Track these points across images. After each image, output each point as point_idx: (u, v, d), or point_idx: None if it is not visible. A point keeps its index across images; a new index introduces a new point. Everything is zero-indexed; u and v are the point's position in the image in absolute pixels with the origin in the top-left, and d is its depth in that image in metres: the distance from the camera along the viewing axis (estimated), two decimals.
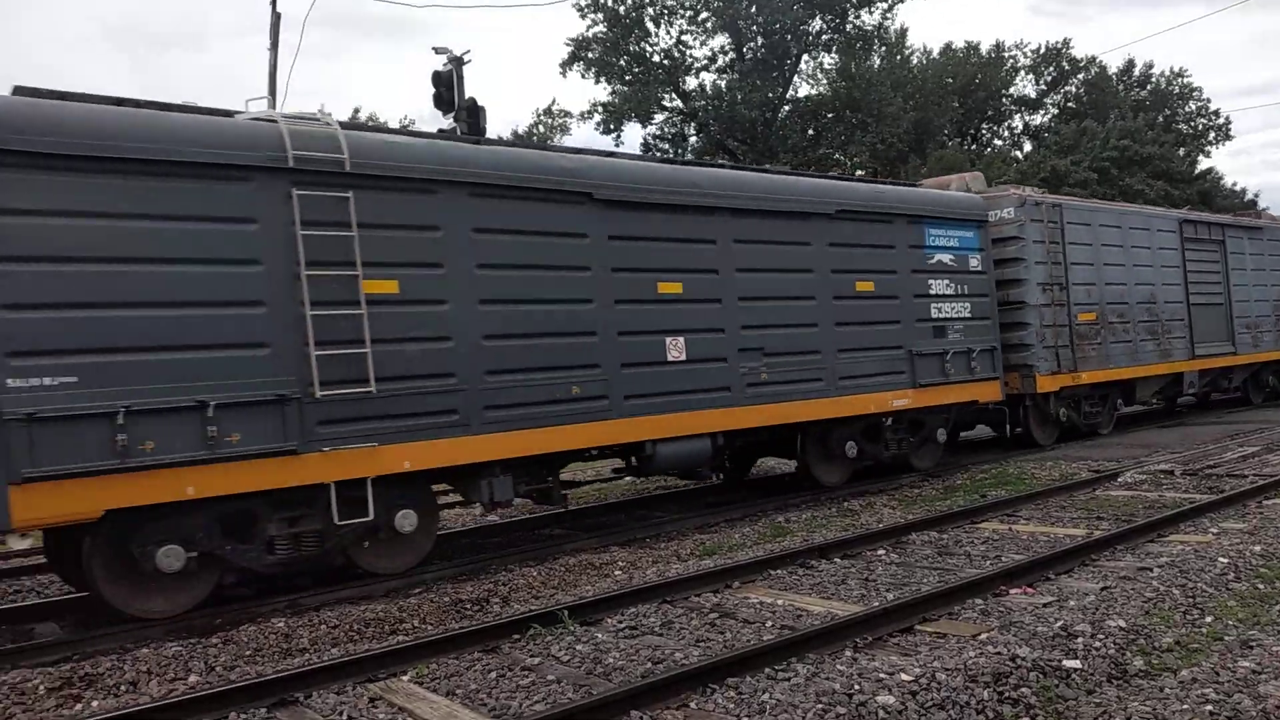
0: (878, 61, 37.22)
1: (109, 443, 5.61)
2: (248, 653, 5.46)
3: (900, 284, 9.83)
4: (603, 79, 36.19)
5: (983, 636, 4.62)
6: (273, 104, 18.20)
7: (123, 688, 5.03)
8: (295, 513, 6.52)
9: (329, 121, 6.69)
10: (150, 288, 5.85)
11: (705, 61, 37.05)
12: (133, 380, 5.73)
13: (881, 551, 6.90)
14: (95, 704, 4.80)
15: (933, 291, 10.14)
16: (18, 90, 5.96)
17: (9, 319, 5.43)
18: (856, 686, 4.04)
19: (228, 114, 6.63)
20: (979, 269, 10.66)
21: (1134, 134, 35.68)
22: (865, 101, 34.64)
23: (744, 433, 8.76)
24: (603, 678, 4.52)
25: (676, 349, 8.06)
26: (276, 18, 18.21)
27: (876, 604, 5.31)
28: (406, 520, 6.88)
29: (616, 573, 6.94)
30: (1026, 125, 39.71)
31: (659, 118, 36.98)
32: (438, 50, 16.42)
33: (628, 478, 10.69)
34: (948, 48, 38.30)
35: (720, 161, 12.90)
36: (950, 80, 37.18)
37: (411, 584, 6.77)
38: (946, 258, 10.27)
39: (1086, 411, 12.69)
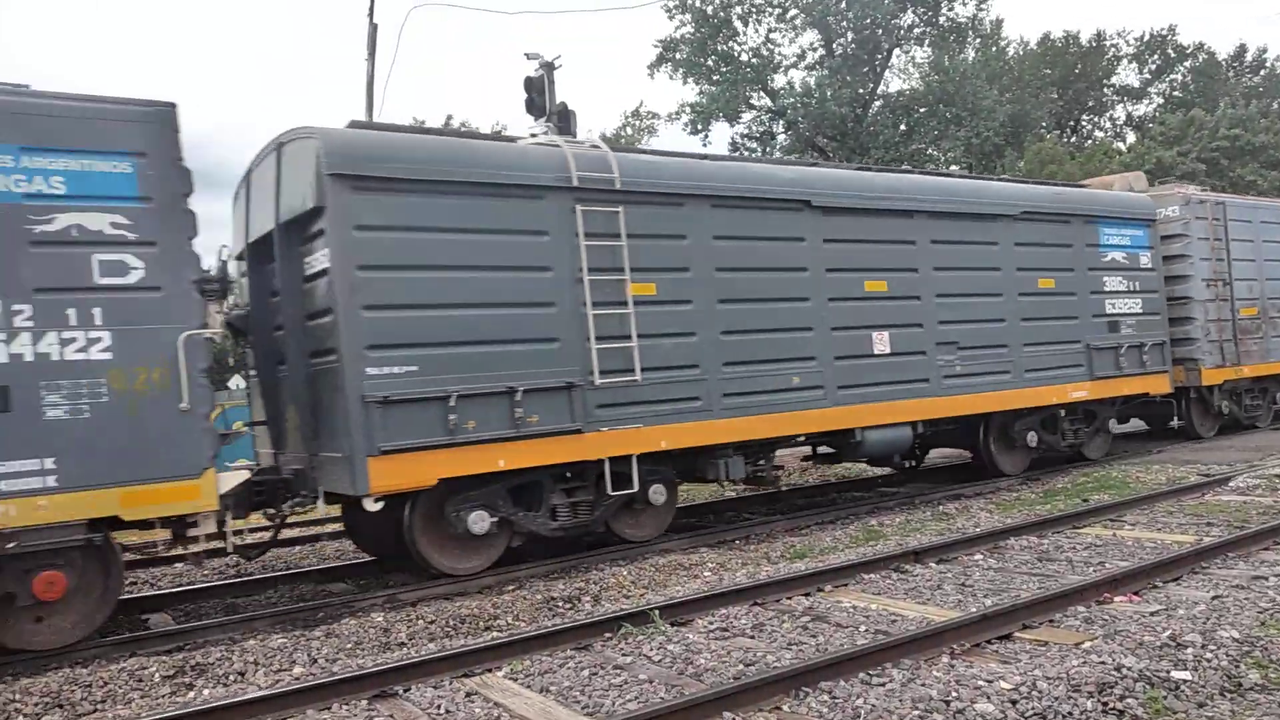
0: (972, 54, 37.16)
1: (443, 422, 6.74)
2: (349, 646, 5.78)
3: (1078, 281, 10.51)
4: (690, 79, 36.83)
5: (1086, 645, 4.53)
6: (370, 111, 19.53)
7: (231, 677, 5.35)
8: (572, 484, 7.57)
9: (598, 145, 7.73)
10: (472, 291, 6.97)
11: (794, 59, 37.45)
12: (459, 369, 6.85)
13: (979, 556, 6.82)
14: (206, 692, 5.13)
15: (1107, 288, 10.79)
16: (352, 124, 7.12)
17: (368, 318, 6.58)
18: (954, 694, 4.00)
19: (510, 139, 7.72)
20: (1149, 266, 11.25)
21: (1245, 123, 34.93)
22: (959, 95, 34.48)
23: (935, 421, 9.51)
24: (694, 678, 4.57)
25: (882, 343, 8.90)
26: (373, 29, 19.40)
27: (974, 610, 5.26)
28: (658, 494, 7.88)
29: (706, 574, 7.10)
30: (1130, 116, 39.16)
31: (746, 116, 37.47)
32: (529, 56, 17.28)
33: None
34: (1045, 38, 38.01)
35: (906, 168, 13.61)
36: (1048, 71, 36.91)
37: (504, 581, 7.17)
38: (1119, 255, 10.88)
39: (1247, 405, 13.07)
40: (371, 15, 20.07)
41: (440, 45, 53.88)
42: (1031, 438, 10.28)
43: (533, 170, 7.24)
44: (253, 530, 7.62)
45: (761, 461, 8.80)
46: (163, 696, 5.12)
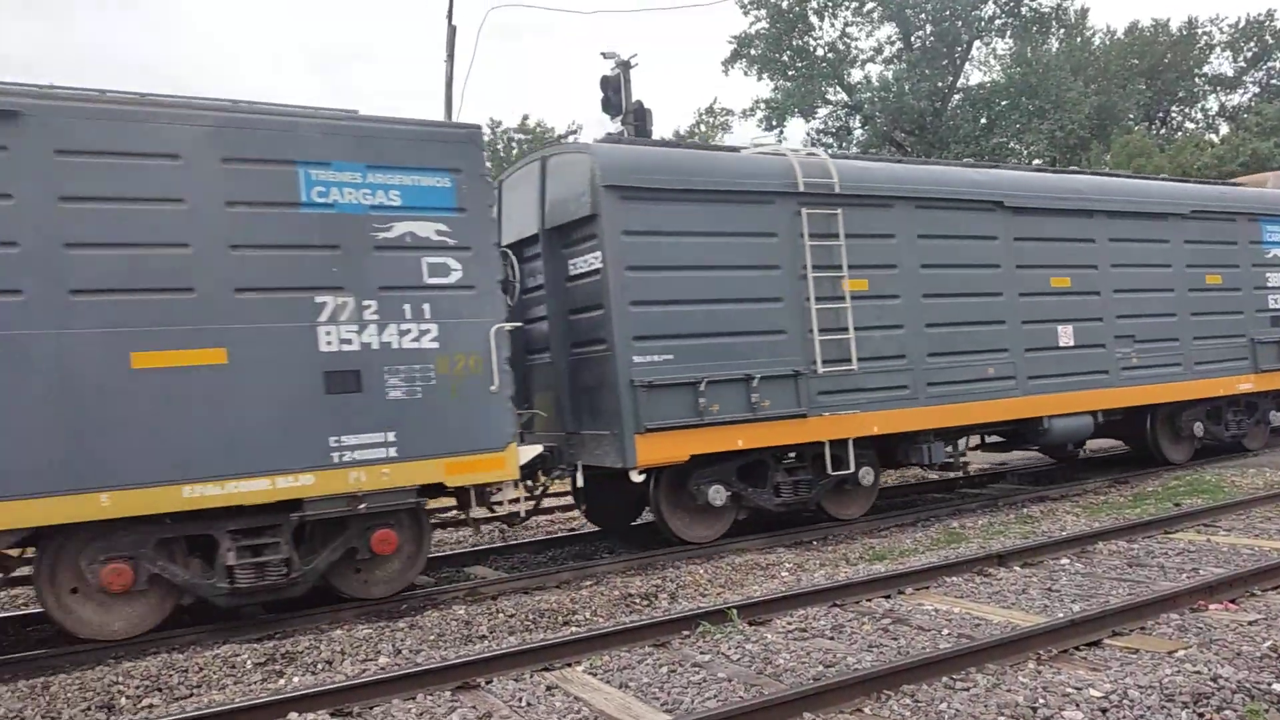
0: (1056, 45, 37.32)
1: (693, 405, 7.77)
2: (431, 637, 6.03)
3: (1242, 277, 11.30)
4: (765, 75, 37.49)
5: (1180, 653, 4.52)
6: (449, 112, 20.62)
7: (319, 665, 5.63)
8: (793, 465, 8.51)
9: (814, 152, 8.67)
10: (716, 287, 8.01)
11: (871, 53, 37.99)
12: (706, 358, 7.87)
13: (1065, 561, 6.88)
14: (296, 679, 5.39)
15: (1270, 284, 11.48)
16: (606, 138, 8.14)
17: (633, 312, 7.61)
18: (1041, 700, 4.02)
19: (734, 150, 8.68)
20: None
21: None
22: (1042, 87, 34.67)
23: (1110, 411, 10.27)
24: (773, 678, 4.64)
25: (1066, 336, 9.74)
26: (452, 31, 20.35)
27: (1061, 615, 5.29)
28: (867, 476, 8.78)
29: (783, 574, 7.26)
30: (1223, 106, 39.00)
31: (822, 112, 38.03)
32: (606, 55, 18.08)
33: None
34: (1133, 26, 38.11)
35: (1072, 168, 14.30)
36: (1136, 61, 36.98)
37: (582, 576, 7.55)
38: None
39: None
40: (450, 17, 21.30)
41: (515, 45, 55.33)
42: (1198, 428, 11.01)
43: (765, 178, 8.22)
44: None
45: (949, 448, 9.65)
46: (255, 683, 5.43)
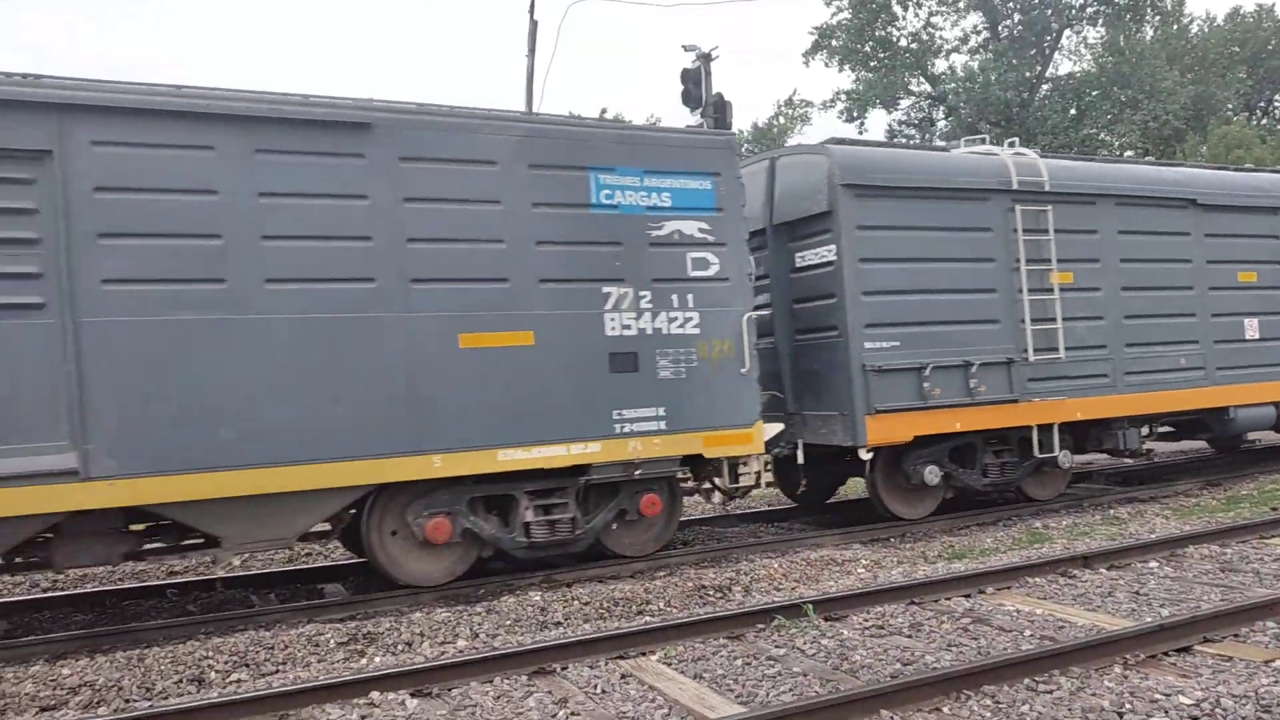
0: (1150, 32, 37.23)
1: (917, 389, 8.66)
2: (508, 622, 6.29)
3: None
4: (846, 66, 37.93)
5: (1277, 663, 4.51)
6: (529, 106, 21.55)
7: (399, 647, 5.88)
8: (998, 447, 9.36)
9: (1022, 152, 9.48)
10: (937, 279, 8.90)
11: (956, 43, 38.25)
12: (929, 345, 8.76)
13: (1154, 564, 6.91)
14: (377, 660, 5.64)
15: None
16: (831, 140, 9.04)
17: (865, 301, 8.52)
18: (1128, 706, 4.01)
19: (944, 149, 9.51)
20: None
21: None
22: (1136, 77, 34.63)
23: None
24: (849, 674, 4.74)
25: (1251, 329, 10.52)
26: (534, 26, 21.23)
27: (1150, 619, 5.33)
28: (1066, 459, 9.59)
29: (860, 570, 7.40)
30: None
31: (905, 103, 38.39)
32: (687, 48, 18.79)
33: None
34: (1234, 13, 37.86)
35: (1248, 166, 14.83)
36: (1236, 49, 36.78)
37: (656, 567, 7.82)
38: None
39: None
40: (532, 12, 22.22)
41: (594, 38, 56.64)
42: None
43: (982, 176, 9.11)
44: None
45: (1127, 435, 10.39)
46: (337, 662, 5.72)
